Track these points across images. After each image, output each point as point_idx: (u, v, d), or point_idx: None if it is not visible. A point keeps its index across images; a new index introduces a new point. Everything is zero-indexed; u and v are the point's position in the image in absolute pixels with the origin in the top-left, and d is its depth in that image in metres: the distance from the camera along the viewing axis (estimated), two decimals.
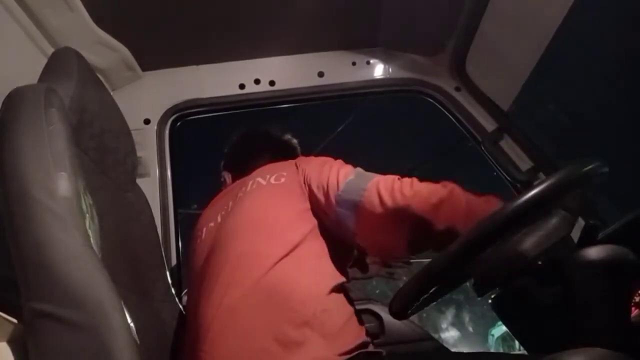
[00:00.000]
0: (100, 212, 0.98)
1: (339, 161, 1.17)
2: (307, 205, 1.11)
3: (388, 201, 0.99)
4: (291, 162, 1.25)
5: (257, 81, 1.67)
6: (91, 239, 0.78)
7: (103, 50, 1.48)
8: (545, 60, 1.39)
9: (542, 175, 1.52)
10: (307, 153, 1.36)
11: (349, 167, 1.14)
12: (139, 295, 1.09)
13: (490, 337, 8.45)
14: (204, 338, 0.95)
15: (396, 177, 1.05)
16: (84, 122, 0.98)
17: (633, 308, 0.78)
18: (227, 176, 1.45)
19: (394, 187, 1.01)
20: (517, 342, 1.04)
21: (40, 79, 0.93)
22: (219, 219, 1.15)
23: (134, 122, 1.45)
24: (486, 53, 1.53)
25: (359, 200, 1.02)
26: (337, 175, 1.10)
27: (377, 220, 1.01)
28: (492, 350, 8.43)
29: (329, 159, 1.19)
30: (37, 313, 0.70)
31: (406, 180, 1.03)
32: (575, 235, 0.98)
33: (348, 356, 0.91)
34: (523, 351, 1.05)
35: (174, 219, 1.59)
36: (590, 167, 0.72)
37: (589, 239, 0.80)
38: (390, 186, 1.01)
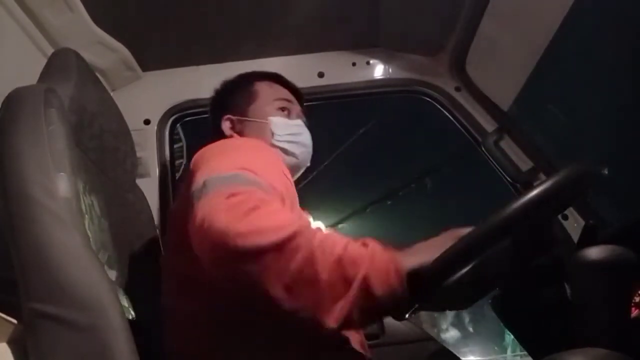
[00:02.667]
0: (100, 212, 0.98)
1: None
2: None
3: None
4: None
5: None
6: (91, 239, 0.78)
7: (103, 50, 1.48)
8: (545, 60, 1.39)
9: (542, 176, 1.52)
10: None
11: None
12: (138, 296, 1.09)
13: (507, 336, 8.46)
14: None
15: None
16: (83, 123, 0.98)
17: (633, 308, 0.78)
18: None
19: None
20: None
21: (40, 80, 0.93)
22: None
23: (134, 122, 1.45)
24: (486, 53, 1.53)
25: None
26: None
27: None
28: (509, 349, 8.44)
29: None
30: (36, 313, 0.70)
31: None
32: (575, 235, 0.98)
33: None
34: None
35: None
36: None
37: (589, 239, 0.80)
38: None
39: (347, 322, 0.69)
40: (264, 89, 1.28)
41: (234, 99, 1.28)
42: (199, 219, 0.72)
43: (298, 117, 1.28)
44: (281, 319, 0.76)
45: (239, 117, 1.25)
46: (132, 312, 0.99)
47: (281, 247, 0.67)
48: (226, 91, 1.33)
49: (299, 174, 1.29)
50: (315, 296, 0.68)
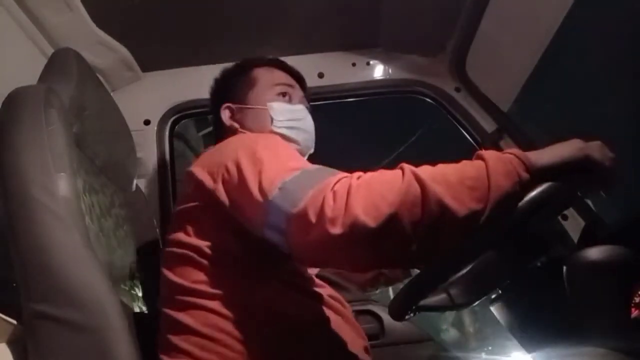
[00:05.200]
0: (99, 212, 0.98)
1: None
2: None
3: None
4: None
5: None
6: (91, 239, 0.78)
7: (103, 50, 1.48)
8: (545, 60, 1.39)
9: None
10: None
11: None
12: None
13: None
14: None
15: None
16: (84, 123, 0.98)
17: (633, 308, 0.78)
18: None
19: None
20: None
21: (40, 80, 0.93)
22: None
23: (134, 122, 1.45)
24: (486, 53, 1.53)
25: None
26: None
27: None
28: None
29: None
30: (36, 314, 0.70)
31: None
32: (575, 235, 0.98)
33: None
34: None
35: None
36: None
37: (589, 239, 0.80)
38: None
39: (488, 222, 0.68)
40: (263, 74, 1.23)
41: (233, 86, 1.24)
42: (314, 218, 0.70)
43: (300, 102, 1.22)
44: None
45: (238, 105, 1.20)
46: (141, 305, 0.99)
47: (405, 203, 0.68)
48: (225, 79, 1.29)
49: None
50: (452, 227, 0.69)
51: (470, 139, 1.65)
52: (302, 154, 1.13)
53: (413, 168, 0.72)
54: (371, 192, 0.69)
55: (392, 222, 0.67)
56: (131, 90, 1.63)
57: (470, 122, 1.63)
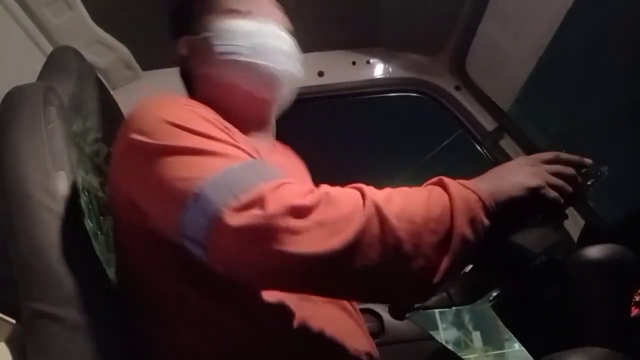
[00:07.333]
0: (98, 211, 0.98)
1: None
2: None
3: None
4: None
5: None
6: (90, 238, 0.78)
7: (103, 49, 1.48)
8: (545, 60, 1.39)
9: None
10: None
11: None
12: None
13: None
14: None
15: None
16: (83, 121, 0.97)
17: (633, 308, 0.78)
18: None
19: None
20: None
21: (40, 77, 0.93)
22: None
23: None
24: (486, 53, 1.53)
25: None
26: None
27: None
28: None
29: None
30: (36, 313, 0.69)
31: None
32: (575, 235, 0.98)
33: None
34: None
35: None
36: None
37: (589, 239, 0.80)
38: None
39: (447, 275, 0.60)
40: None
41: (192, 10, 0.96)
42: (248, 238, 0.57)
43: (273, 17, 0.97)
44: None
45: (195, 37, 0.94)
46: None
47: (356, 245, 0.57)
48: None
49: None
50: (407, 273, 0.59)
51: (471, 138, 1.65)
52: (276, 84, 0.92)
53: (375, 197, 0.60)
54: (321, 219, 0.58)
55: (340, 260, 0.57)
56: (131, 88, 1.63)
57: (470, 121, 1.64)
